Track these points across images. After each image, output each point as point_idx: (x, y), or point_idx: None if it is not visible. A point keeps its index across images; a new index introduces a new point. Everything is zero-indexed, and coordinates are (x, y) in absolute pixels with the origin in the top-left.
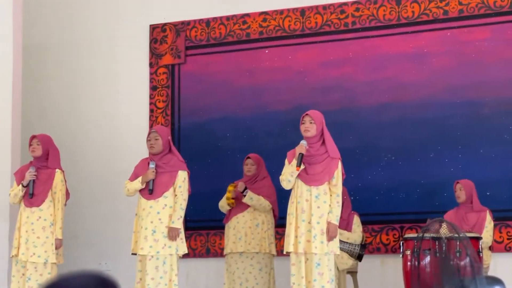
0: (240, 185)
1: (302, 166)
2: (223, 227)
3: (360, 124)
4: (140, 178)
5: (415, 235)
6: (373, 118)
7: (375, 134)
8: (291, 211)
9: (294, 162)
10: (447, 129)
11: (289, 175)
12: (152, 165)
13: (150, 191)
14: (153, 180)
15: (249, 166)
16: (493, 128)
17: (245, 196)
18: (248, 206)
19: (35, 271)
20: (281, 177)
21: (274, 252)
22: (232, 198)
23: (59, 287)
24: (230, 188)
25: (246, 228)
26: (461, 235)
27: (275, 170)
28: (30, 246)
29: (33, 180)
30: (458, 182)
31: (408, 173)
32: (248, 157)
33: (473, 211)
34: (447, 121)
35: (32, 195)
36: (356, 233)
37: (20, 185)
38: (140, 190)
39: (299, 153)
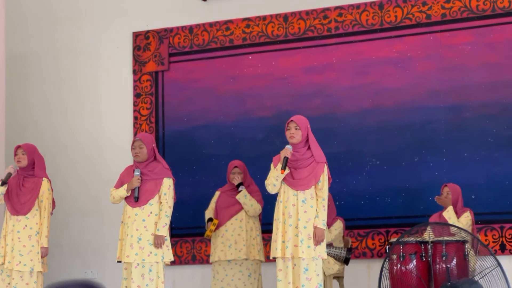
0: (236, 179)
1: (287, 170)
2: None
3: (344, 129)
4: (125, 186)
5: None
6: (357, 123)
7: (359, 139)
8: (278, 216)
9: (279, 166)
10: (431, 133)
11: (274, 179)
12: (137, 173)
13: (136, 198)
14: (139, 187)
15: (237, 175)
16: (477, 131)
17: (240, 191)
18: (234, 213)
19: (21, 280)
20: (266, 182)
21: (262, 258)
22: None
23: None
24: (212, 228)
25: (235, 235)
26: (463, 234)
27: (260, 176)
28: (16, 254)
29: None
30: (445, 186)
31: (392, 178)
32: (236, 166)
33: (456, 214)
34: (431, 125)
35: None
36: (331, 233)
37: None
38: (126, 198)
39: (284, 157)
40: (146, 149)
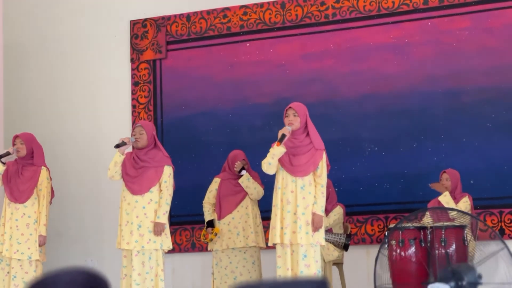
0: (238, 164)
1: (284, 149)
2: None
3: (342, 115)
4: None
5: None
6: (355, 109)
7: (358, 125)
8: (276, 202)
9: (276, 145)
10: (429, 119)
11: (270, 157)
12: (132, 139)
13: (117, 146)
14: (125, 143)
15: (239, 163)
16: (475, 117)
17: (242, 176)
18: (240, 201)
19: (21, 269)
20: (262, 162)
21: (264, 245)
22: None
23: (47, 284)
24: (213, 237)
25: (242, 222)
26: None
27: (259, 163)
28: (14, 242)
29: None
30: (444, 172)
31: (391, 164)
32: (243, 159)
33: (455, 200)
34: (429, 111)
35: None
36: (330, 218)
37: None
38: (125, 183)
39: (282, 134)
40: (146, 135)
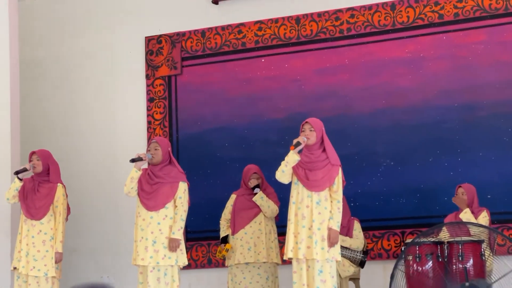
0: (252, 181)
1: (298, 157)
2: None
3: (357, 130)
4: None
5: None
6: (371, 124)
7: (373, 140)
8: (290, 217)
9: (291, 153)
10: (445, 133)
11: (283, 165)
12: (149, 155)
13: (132, 160)
14: (142, 159)
15: (254, 180)
16: (491, 131)
17: (256, 194)
18: (253, 216)
19: (37, 285)
20: (276, 171)
21: (280, 261)
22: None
23: None
24: (225, 253)
25: (255, 238)
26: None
27: (274, 178)
28: (30, 259)
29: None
30: (460, 186)
31: (407, 178)
32: (255, 172)
33: (473, 214)
34: (445, 125)
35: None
36: (358, 239)
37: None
38: (140, 199)
39: (297, 141)
40: (161, 151)
